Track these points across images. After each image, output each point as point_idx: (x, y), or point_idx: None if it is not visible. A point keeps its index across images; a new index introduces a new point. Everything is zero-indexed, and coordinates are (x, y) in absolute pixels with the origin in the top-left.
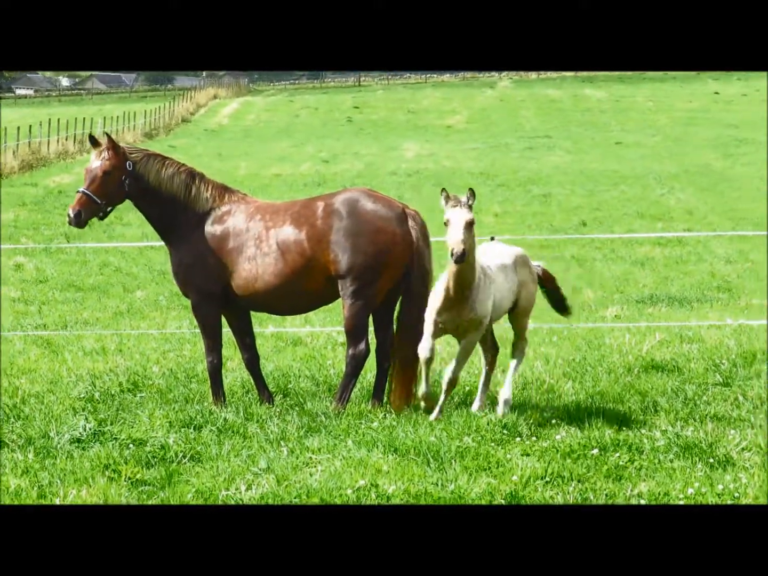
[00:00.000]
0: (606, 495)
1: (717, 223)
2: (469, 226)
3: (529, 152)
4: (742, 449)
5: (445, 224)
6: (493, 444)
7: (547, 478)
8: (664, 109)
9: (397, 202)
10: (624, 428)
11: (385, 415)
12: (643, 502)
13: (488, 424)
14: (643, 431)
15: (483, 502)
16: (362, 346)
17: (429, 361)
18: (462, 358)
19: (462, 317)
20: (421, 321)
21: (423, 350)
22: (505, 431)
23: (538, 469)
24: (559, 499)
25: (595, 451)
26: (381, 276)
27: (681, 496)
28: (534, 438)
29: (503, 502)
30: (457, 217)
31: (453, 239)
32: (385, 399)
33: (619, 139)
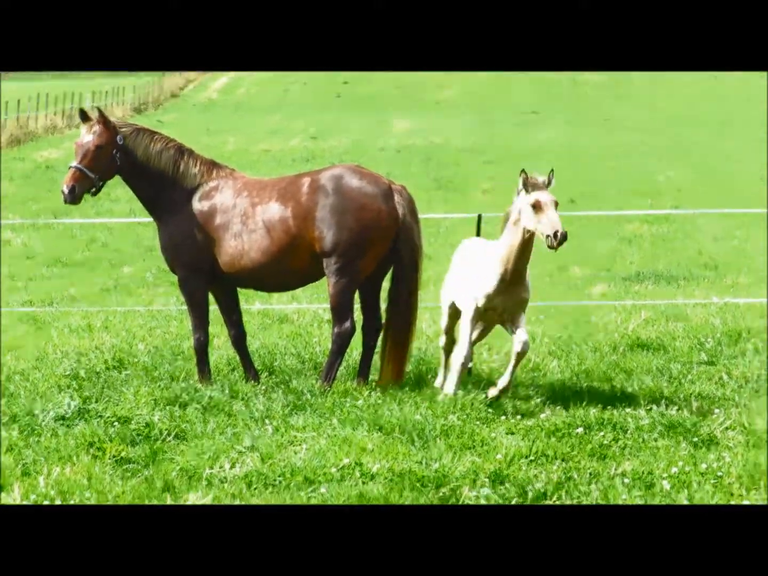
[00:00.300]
0: (590, 474)
1: (706, 200)
2: (556, 206)
3: (520, 128)
4: (726, 428)
5: (534, 206)
6: (477, 422)
7: (532, 457)
8: (661, 87)
9: (384, 179)
10: (609, 407)
11: (370, 393)
12: (627, 481)
13: (473, 402)
14: (627, 410)
15: (467, 481)
16: (348, 323)
17: (466, 366)
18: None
19: (518, 297)
20: (412, 296)
21: (461, 356)
22: (489, 410)
23: (522, 448)
24: (543, 478)
25: (580, 430)
26: (366, 253)
27: (665, 475)
28: (519, 416)
29: (487, 480)
30: (548, 198)
31: (552, 222)
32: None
33: (611, 116)
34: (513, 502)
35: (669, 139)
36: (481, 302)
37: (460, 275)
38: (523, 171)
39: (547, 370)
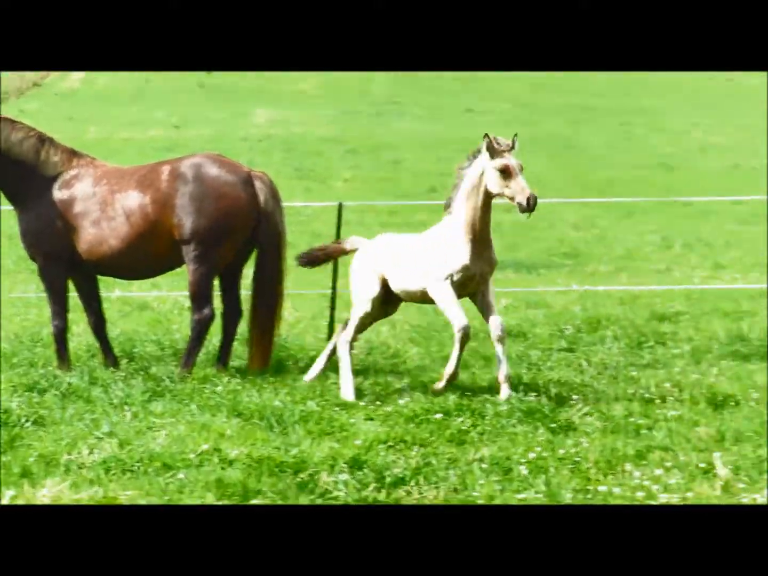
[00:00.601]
0: (448, 459)
1: (565, 191)
2: (522, 170)
3: (380, 118)
4: (584, 414)
5: (502, 171)
6: (336, 408)
7: (390, 443)
8: (517, 76)
9: (243, 167)
10: (468, 393)
11: (229, 379)
12: (484, 466)
13: (333, 388)
14: (486, 396)
15: (325, 467)
16: (207, 310)
17: (468, 336)
18: (495, 303)
19: (489, 259)
20: (276, 282)
21: (463, 322)
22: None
23: (381, 434)
24: (401, 464)
25: (439, 416)
26: (225, 241)
27: (522, 460)
28: (378, 402)
29: (345, 466)
30: (516, 163)
31: (523, 188)
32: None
33: (470, 106)
34: (371, 488)
35: (531, 130)
36: (457, 276)
37: (406, 266)
38: (486, 135)
39: (407, 356)
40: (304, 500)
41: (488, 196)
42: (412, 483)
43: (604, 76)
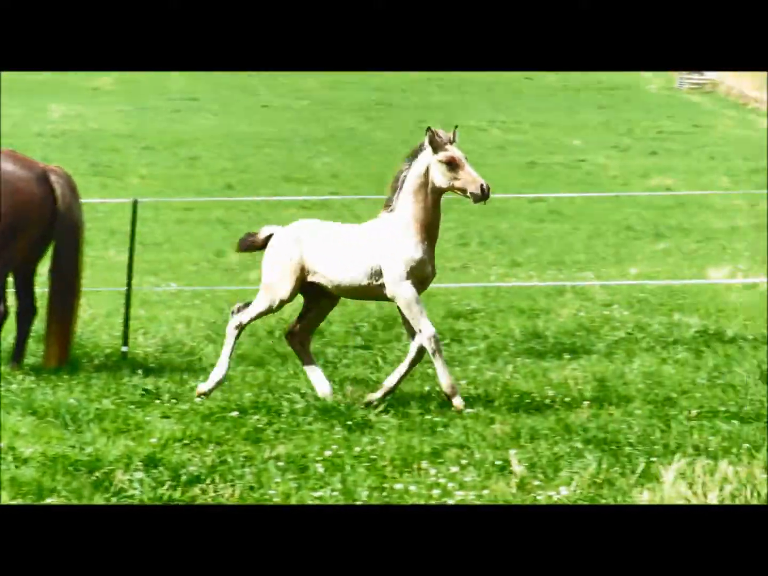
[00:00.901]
0: (244, 457)
1: (362, 187)
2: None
3: (176, 114)
4: (381, 412)
5: (449, 164)
6: (132, 406)
7: (186, 441)
8: (314, 72)
9: (38, 163)
10: (264, 391)
11: (23, 377)
12: (280, 464)
13: (128, 386)
14: (282, 394)
15: (121, 465)
16: (0, 307)
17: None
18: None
19: (434, 270)
20: (75, 277)
21: (431, 330)
22: (144, 394)
23: (176, 432)
24: (196, 462)
25: (235, 414)
26: (19, 237)
27: (319, 458)
28: (174, 400)
29: (141, 464)
30: (461, 154)
31: (474, 177)
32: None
33: (267, 102)
34: (166, 487)
35: (327, 126)
36: (414, 275)
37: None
38: (429, 129)
39: (203, 354)
40: (99, 499)
41: (436, 193)
42: (208, 481)
43: (401, 73)
